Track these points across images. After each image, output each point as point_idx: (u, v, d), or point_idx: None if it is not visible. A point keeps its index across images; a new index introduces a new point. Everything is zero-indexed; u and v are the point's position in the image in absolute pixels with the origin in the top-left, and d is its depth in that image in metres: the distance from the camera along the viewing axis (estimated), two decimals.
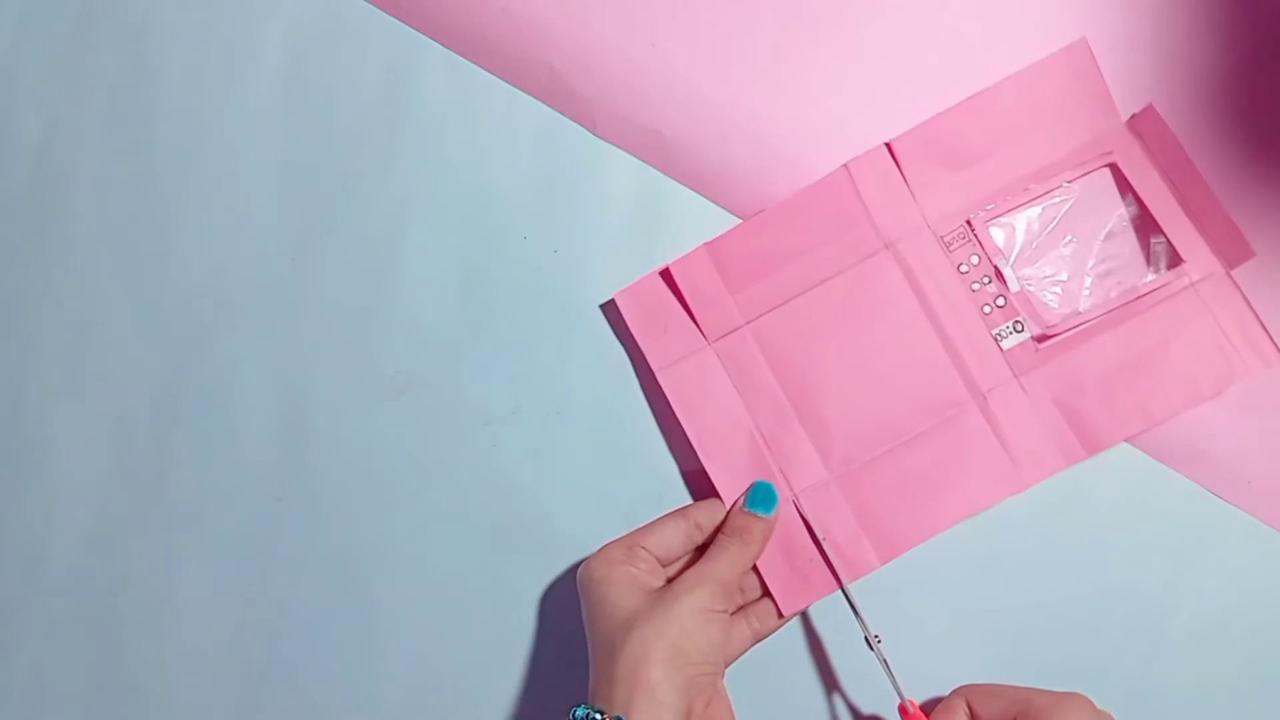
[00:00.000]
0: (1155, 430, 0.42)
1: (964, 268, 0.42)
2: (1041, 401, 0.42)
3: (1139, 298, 0.41)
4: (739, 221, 0.45)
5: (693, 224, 0.45)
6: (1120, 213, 0.43)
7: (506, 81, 0.47)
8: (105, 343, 0.50)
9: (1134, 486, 0.43)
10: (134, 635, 0.49)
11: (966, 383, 0.42)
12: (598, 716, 0.36)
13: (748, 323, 0.44)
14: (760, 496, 0.42)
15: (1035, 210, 0.43)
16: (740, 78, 0.45)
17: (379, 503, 0.47)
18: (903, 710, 0.40)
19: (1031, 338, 0.42)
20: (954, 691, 0.40)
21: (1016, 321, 0.42)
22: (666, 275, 0.44)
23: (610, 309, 0.46)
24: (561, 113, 0.47)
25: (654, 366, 0.44)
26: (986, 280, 0.42)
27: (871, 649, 0.41)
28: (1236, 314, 0.41)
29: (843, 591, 0.42)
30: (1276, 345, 0.40)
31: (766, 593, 0.43)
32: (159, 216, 0.50)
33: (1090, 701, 0.37)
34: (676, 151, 0.46)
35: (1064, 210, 0.43)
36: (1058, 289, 0.43)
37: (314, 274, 0.48)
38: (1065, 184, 0.42)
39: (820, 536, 0.42)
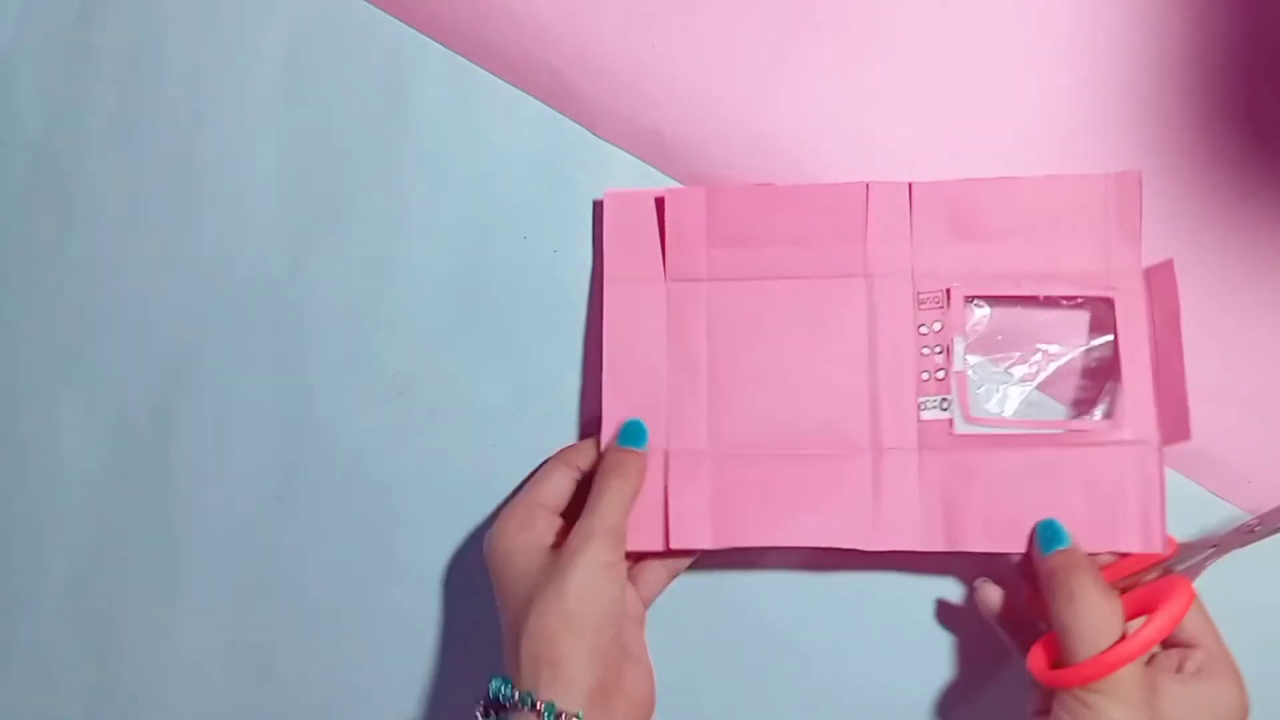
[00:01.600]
0: None
1: (924, 329, 0.42)
2: (930, 482, 0.41)
3: (1067, 432, 0.41)
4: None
5: None
6: (1094, 346, 0.43)
7: (506, 81, 0.47)
8: (105, 342, 0.50)
9: None
10: (134, 636, 0.49)
11: (873, 432, 0.42)
12: (505, 690, 0.37)
13: (710, 280, 0.43)
14: (632, 434, 0.42)
15: (1016, 308, 0.43)
16: (740, 78, 0.45)
17: (379, 502, 0.47)
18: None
19: (949, 420, 0.41)
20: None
21: (944, 399, 0.41)
22: (660, 204, 0.44)
23: (596, 210, 0.46)
24: (561, 113, 0.47)
25: (607, 275, 0.44)
26: (937, 349, 0.42)
27: None
28: (1145, 489, 0.40)
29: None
30: (1164, 534, 0.40)
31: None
32: (159, 216, 0.50)
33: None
34: (676, 151, 0.46)
35: (1043, 319, 0.43)
36: (999, 388, 0.43)
37: (314, 274, 0.48)
38: (1058, 298, 0.42)
39: (670, 496, 0.42)
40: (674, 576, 0.43)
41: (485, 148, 0.47)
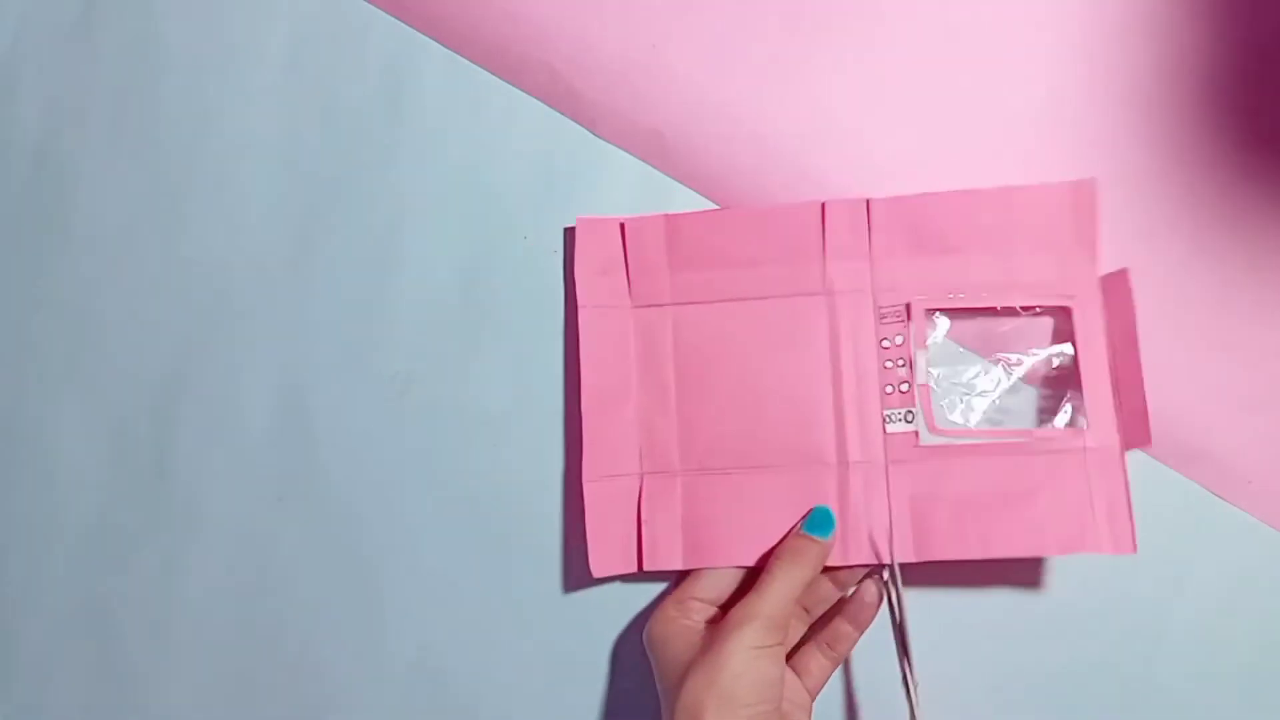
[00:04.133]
0: (1154, 430, 0.42)
1: (886, 343, 0.42)
2: (899, 495, 0.42)
3: (1031, 440, 0.41)
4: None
5: None
6: (1052, 355, 0.43)
7: (506, 81, 0.48)
8: (105, 342, 0.50)
9: (1134, 486, 0.43)
10: (134, 635, 0.49)
11: (838, 448, 0.42)
12: None
13: (674, 304, 0.44)
14: (819, 520, 0.41)
15: (978, 319, 0.43)
16: (740, 78, 0.45)
17: (379, 502, 0.47)
18: None
19: (915, 432, 0.42)
20: None
21: (909, 411, 0.42)
22: (622, 229, 0.45)
23: (569, 235, 0.46)
24: (561, 113, 0.47)
25: (579, 301, 0.44)
26: (900, 363, 0.42)
27: (907, 686, 0.41)
28: (1111, 493, 0.41)
29: (898, 637, 0.41)
30: (1133, 536, 0.40)
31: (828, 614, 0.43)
32: (159, 216, 0.50)
33: None
34: (676, 151, 0.46)
35: (1002, 329, 0.43)
36: (963, 399, 0.43)
37: (314, 273, 0.48)
38: (1016, 308, 0.42)
39: (643, 519, 0.43)
40: (837, 665, 0.42)
41: (485, 148, 0.47)
